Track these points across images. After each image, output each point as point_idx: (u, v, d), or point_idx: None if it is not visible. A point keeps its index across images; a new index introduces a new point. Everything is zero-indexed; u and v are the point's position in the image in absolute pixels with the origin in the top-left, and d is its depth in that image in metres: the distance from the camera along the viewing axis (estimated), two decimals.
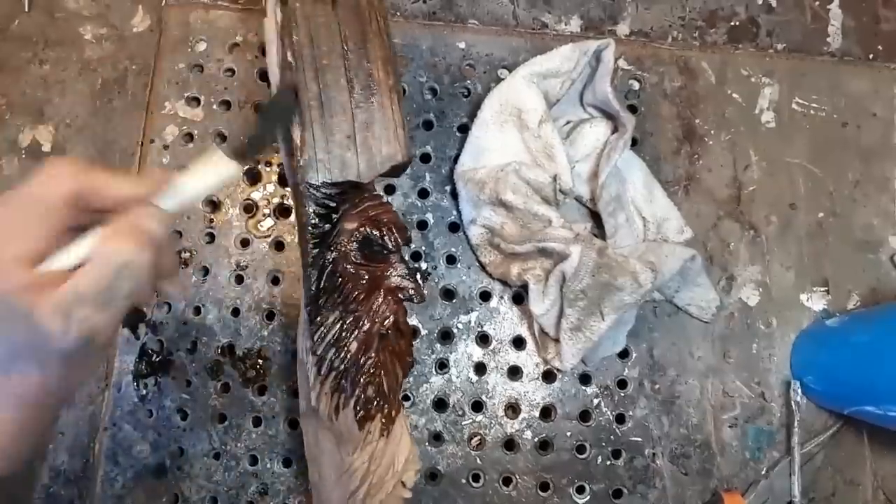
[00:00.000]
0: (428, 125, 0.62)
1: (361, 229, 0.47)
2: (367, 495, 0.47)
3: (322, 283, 0.47)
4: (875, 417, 0.52)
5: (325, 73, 0.46)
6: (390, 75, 0.47)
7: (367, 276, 0.48)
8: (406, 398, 0.57)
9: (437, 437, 0.56)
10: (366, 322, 0.47)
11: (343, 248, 0.47)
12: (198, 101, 0.61)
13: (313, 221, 0.46)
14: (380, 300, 0.48)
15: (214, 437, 0.55)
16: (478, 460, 0.56)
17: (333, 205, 0.46)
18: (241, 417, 0.56)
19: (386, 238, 0.47)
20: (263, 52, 0.58)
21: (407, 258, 0.59)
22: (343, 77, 0.46)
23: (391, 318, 0.48)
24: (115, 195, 0.33)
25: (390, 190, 0.60)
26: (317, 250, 0.47)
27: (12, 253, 0.30)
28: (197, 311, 0.57)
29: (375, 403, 0.47)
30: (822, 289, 0.61)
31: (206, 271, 0.58)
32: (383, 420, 0.48)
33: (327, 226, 0.47)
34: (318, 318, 0.47)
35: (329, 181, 0.45)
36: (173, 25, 0.62)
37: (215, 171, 0.36)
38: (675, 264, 0.55)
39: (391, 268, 0.48)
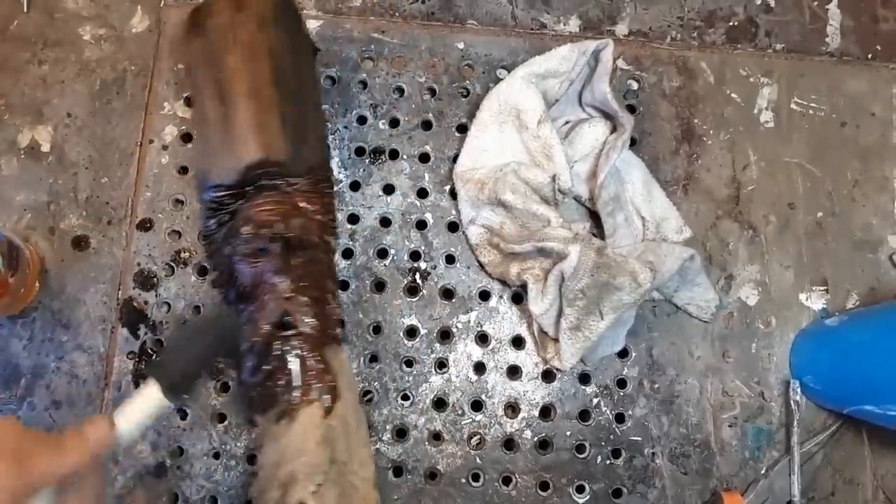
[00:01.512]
0: (427, 125, 0.62)
1: (240, 227, 0.50)
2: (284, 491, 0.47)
3: (222, 281, 0.52)
4: (875, 417, 0.52)
5: (201, 92, 0.52)
6: (245, 82, 0.50)
7: (251, 273, 0.50)
8: (405, 397, 0.57)
9: (436, 437, 0.56)
10: (260, 319, 0.50)
11: (231, 247, 0.51)
12: None
13: (206, 223, 0.51)
14: (265, 296, 0.50)
15: (214, 436, 0.55)
16: (477, 460, 0.56)
17: (220, 207, 0.51)
18: (240, 417, 0.56)
19: (259, 234, 0.50)
20: None
21: (406, 257, 0.59)
22: (211, 92, 0.51)
23: (276, 315, 0.49)
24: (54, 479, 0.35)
25: (389, 190, 0.60)
26: (215, 250, 0.51)
27: None
28: (196, 310, 0.57)
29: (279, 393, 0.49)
30: (822, 288, 0.61)
31: (205, 271, 0.58)
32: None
33: (215, 225, 0.51)
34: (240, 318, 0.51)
35: (209, 184, 0.51)
36: (172, 25, 0.62)
37: (150, 406, 0.40)
38: (674, 264, 0.55)
39: (269, 264, 0.50)
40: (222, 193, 0.51)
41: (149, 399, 0.40)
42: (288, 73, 0.52)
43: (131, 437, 0.39)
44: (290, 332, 0.50)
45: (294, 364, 0.49)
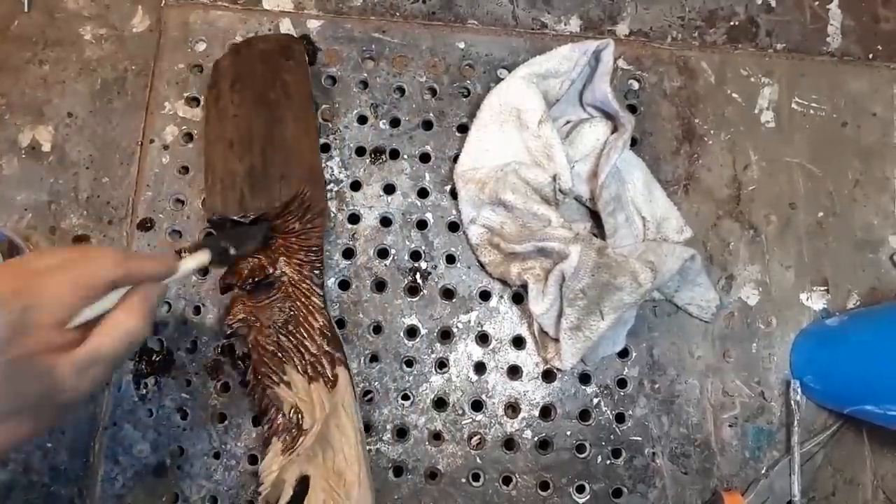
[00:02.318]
0: (427, 125, 0.62)
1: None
2: None
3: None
4: (875, 416, 0.52)
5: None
6: (213, 146, 0.56)
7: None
8: (406, 397, 0.57)
9: (436, 437, 0.56)
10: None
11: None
12: (197, 101, 0.61)
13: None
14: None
15: (214, 436, 0.55)
16: (477, 459, 0.56)
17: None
18: (240, 417, 0.56)
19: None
20: None
21: (406, 257, 0.59)
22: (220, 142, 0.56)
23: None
24: (141, 279, 0.39)
25: (390, 190, 0.60)
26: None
27: (49, 318, 0.34)
28: (197, 310, 0.57)
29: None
30: (822, 288, 0.61)
31: (205, 271, 0.58)
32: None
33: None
34: None
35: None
36: (173, 25, 0.62)
37: (199, 260, 0.47)
38: (675, 264, 0.55)
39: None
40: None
41: (200, 259, 0.46)
42: (246, 128, 0.55)
43: (183, 276, 0.45)
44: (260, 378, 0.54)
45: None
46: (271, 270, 0.53)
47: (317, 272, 0.55)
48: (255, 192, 0.53)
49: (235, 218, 0.53)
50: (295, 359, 0.53)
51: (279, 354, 0.53)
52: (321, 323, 0.54)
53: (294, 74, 0.57)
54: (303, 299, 0.54)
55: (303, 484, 0.50)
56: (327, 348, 0.53)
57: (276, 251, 0.54)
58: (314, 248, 0.55)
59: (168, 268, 0.42)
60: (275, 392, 0.52)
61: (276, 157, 0.54)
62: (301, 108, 0.57)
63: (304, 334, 0.53)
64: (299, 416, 0.52)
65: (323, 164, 0.60)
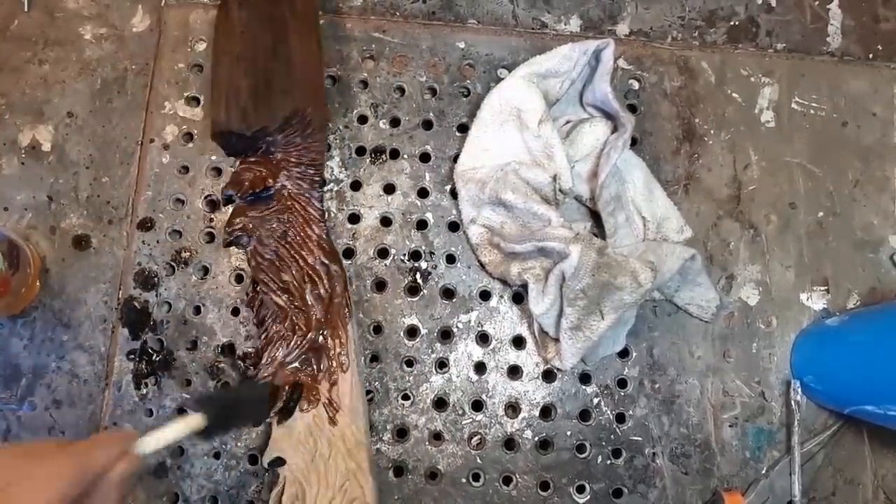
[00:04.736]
0: (427, 125, 0.62)
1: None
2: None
3: None
4: (875, 417, 0.52)
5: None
6: (220, 61, 0.57)
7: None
8: (406, 397, 0.57)
9: (437, 437, 0.56)
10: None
11: None
12: (197, 100, 0.61)
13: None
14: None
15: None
16: (478, 459, 0.56)
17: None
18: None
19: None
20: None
21: (407, 257, 0.59)
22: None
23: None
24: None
25: (390, 189, 0.60)
26: None
27: None
28: (197, 310, 0.57)
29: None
30: (822, 288, 0.61)
31: (205, 271, 0.58)
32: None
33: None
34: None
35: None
36: (173, 25, 0.62)
37: (185, 431, 0.41)
38: (675, 264, 0.55)
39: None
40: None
41: (189, 425, 0.41)
42: (247, 47, 0.56)
43: (157, 448, 0.40)
44: (259, 287, 0.56)
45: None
46: (271, 182, 0.56)
47: (316, 185, 0.57)
48: (259, 106, 0.55)
49: (231, 195, 0.55)
50: (293, 268, 0.55)
51: (277, 263, 0.55)
52: (317, 234, 0.56)
53: (299, 4, 0.59)
54: (301, 211, 0.56)
55: (297, 390, 0.53)
56: (324, 259, 0.55)
57: (277, 164, 0.56)
58: (315, 162, 0.57)
59: (124, 444, 0.38)
60: (272, 300, 0.54)
61: (279, 72, 0.56)
62: (306, 25, 0.59)
63: (302, 245, 0.56)
64: (295, 323, 0.54)
65: (327, 102, 0.61)
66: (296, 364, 0.54)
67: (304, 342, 0.54)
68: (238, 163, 0.58)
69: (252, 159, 0.57)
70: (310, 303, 0.54)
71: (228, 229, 0.56)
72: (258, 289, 0.55)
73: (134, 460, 0.37)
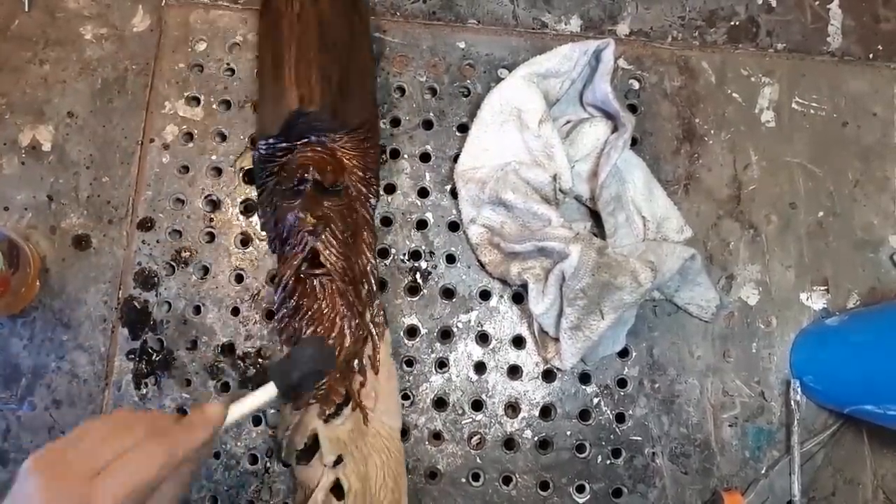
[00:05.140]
0: (428, 125, 0.62)
1: (281, 173, 0.56)
2: None
3: (270, 227, 0.57)
4: (875, 416, 0.52)
5: (263, 62, 0.59)
6: (293, 47, 0.54)
7: (286, 212, 0.55)
8: (406, 397, 0.57)
9: (436, 437, 0.56)
10: (291, 257, 0.55)
11: (274, 191, 0.57)
12: (198, 100, 0.61)
13: (259, 173, 0.57)
14: (298, 234, 0.54)
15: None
16: (477, 459, 0.56)
17: (270, 158, 0.56)
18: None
19: (294, 177, 0.55)
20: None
21: (407, 257, 0.59)
22: (269, 59, 0.57)
23: (305, 250, 0.54)
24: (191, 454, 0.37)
25: (390, 189, 0.60)
26: (265, 197, 0.57)
27: (86, 468, 0.33)
28: (197, 310, 0.57)
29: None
30: (822, 288, 0.61)
31: (206, 271, 0.58)
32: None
33: (265, 174, 0.57)
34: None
35: (263, 136, 0.56)
36: (173, 25, 0.62)
37: (263, 401, 0.42)
38: (675, 263, 0.55)
39: (301, 203, 0.55)
40: (272, 144, 0.56)
41: (265, 395, 0.42)
42: (336, 40, 0.56)
43: (235, 422, 0.41)
44: (318, 271, 0.54)
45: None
46: (343, 179, 0.56)
47: (373, 190, 0.58)
48: (345, 99, 0.55)
49: (318, 180, 0.55)
50: (357, 264, 0.55)
51: (346, 256, 0.55)
52: (368, 237, 0.57)
53: (363, 14, 0.61)
54: (362, 212, 0.57)
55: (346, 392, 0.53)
56: (373, 262, 0.57)
57: (342, 162, 0.57)
58: (371, 168, 0.58)
59: (214, 426, 0.39)
60: (338, 289, 0.54)
61: (357, 78, 0.57)
62: (367, 40, 0.61)
63: (358, 245, 0.56)
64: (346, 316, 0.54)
65: None
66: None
67: (360, 337, 0.54)
68: (298, 145, 0.56)
69: (319, 148, 0.56)
70: (364, 301, 0.55)
71: (314, 216, 0.54)
72: (307, 275, 0.55)
73: (209, 436, 0.38)
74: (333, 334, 0.53)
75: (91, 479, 0.33)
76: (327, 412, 0.51)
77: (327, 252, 0.54)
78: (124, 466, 0.34)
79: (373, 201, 0.58)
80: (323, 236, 0.54)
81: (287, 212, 0.55)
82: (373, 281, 0.56)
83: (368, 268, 0.56)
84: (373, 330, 0.55)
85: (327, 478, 0.50)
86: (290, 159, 0.56)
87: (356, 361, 0.54)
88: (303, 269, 0.55)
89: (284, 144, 0.56)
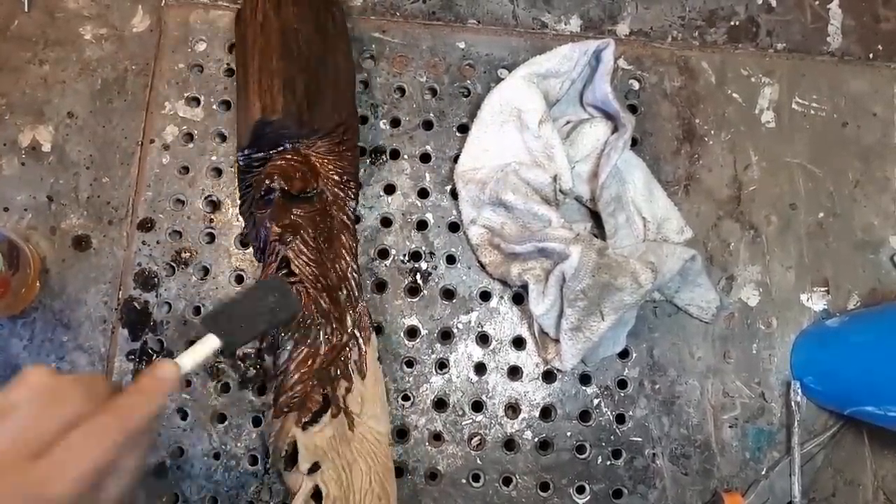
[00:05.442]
0: (428, 125, 0.62)
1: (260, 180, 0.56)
2: None
3: (252, 237, 0.57)
4: (875, 417, 0.52)
5: (237, 72, 0.59)
6: (256, 56, 0.55)
7: (259, 222, 0.56)
8: (406, 398, 0.57)
9: (437, 437, 0.56)
10: (266, 268, 0.55)
11: (250, 202, 0.58)
12: (198, 101, 0.61)
13: (240, 185, 0.58)
14: (272, 244, 0.54)
15: (214, 437, 0.55)
16: (478, 460, 0.56)
17: (249, 169, 0.57)
18: (241, 417, 0.56)
19: (263, 186, 0.54)
20: None
21: (407, 258, 0.59)
22: (241, 69, 0.58)
23: (277, 260, 0.54)
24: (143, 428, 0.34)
25: (390, 190, 0.60)
26: (245, 208, 0.58)
27: (24, 450, 0.30)
28: (197, 310, 0.57)
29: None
30: (823, 289, 0.61)
31: (206, 271, 0.58)
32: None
33: (244, 186, 0.58)
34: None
35: (238, 148, 0.57)
36: (173, 25, 0.62)
37: (207, 352, 0.41)
38: (676, 264, 0.55)
39: (269, 212, 0.54)
40: (247, 154, 0.56)
41: (208, 346, 0.41)
42: (302, 46, 0.56)
43: (187, 375, 0.40)
44: (291, 279, 0.53)
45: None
46: (315, 184, 0.56)
47: (351, 193, 0.58)
48: (311, 106, 0.55)
49: (284, 189, 0.54)
50: (331, 271, 0.55)
51: (319, 264, 0.54)
52: (348, 241, 0.56)
53: (338, 18, 0.60)
54: (337, 217, 0.56)
55: (325, 398, 0.52)
56: (354, 266, 0.56)
57: (314, 167, 0.57)
58: (348, 171, 0.58)
59: (170, 390, 0.37)
60: (314, 298, 0.53)
61: (328, 82, 0.57)
62: (343, 42, 0.60)
63: (337, 250, 0.56)
64: (326, 324, 0.54)
65: None
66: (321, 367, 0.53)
67: (338, 343, 0.53)
68: (273, 153, 0.56)
69: (289, 155, 0.56)
70: (343, 306, 0.54)
71: (279, 226, 0.54)
72: (294, 286, 0.54)
73: (165, 402, 0.36)
74: (308, 341, 0.53)
75: (33, 462, 0.29)
76: (304, 420, 0.50)
77: (298, 260, 0.54)
78: (80, 443, 0.30)
79: (351, 204, 0.58)
80: (294, 244, 0.54)
81: (262, 221, 0.55)
82: (353, 285, 0.55)
83: (349, 272, 0.55)
84: (357, 334, 0.54)
85: (306, 484, 0.49)
86: (263, 169, 0.56)
87: (336, 368, 0.53)
88: (278, 277, 0.54)
89: (260, 154, 0.56)
